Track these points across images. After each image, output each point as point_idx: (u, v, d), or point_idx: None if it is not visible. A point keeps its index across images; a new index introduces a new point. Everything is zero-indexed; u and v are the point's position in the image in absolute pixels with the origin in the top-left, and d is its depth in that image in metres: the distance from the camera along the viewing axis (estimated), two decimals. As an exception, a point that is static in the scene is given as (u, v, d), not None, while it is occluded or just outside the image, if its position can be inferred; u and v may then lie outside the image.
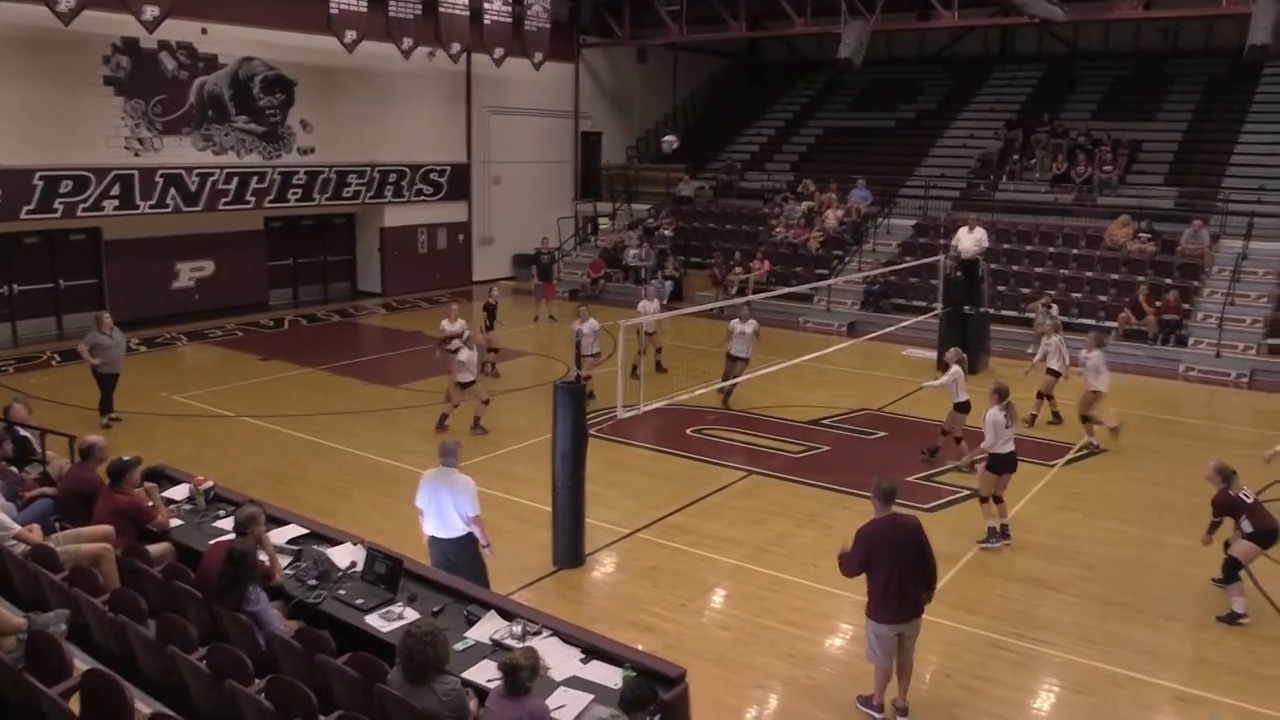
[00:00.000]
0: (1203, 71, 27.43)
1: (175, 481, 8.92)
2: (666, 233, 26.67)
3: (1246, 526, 9.12)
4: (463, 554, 7.93)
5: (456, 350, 14.06)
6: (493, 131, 27.40)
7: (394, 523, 10.06)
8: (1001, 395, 10.24)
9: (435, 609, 6.57)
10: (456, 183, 26.62)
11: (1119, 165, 24.53)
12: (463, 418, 14.11)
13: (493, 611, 6.52)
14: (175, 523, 8.05)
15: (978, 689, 7.74)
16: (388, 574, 6.84)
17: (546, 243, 24.00)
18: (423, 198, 25.80)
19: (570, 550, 9.70)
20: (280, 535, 7.68)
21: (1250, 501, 9.18)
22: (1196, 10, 22.69)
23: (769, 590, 9.32)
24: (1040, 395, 14.81)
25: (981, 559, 10.09)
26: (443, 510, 7.90)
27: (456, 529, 7.93)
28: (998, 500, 10.48)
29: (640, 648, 7.45)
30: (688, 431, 14.19)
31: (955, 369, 12.73)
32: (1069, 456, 13.46)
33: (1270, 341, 18.75)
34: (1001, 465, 10.31)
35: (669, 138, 21.05)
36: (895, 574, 6.98)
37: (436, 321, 15.97)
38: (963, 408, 12.68)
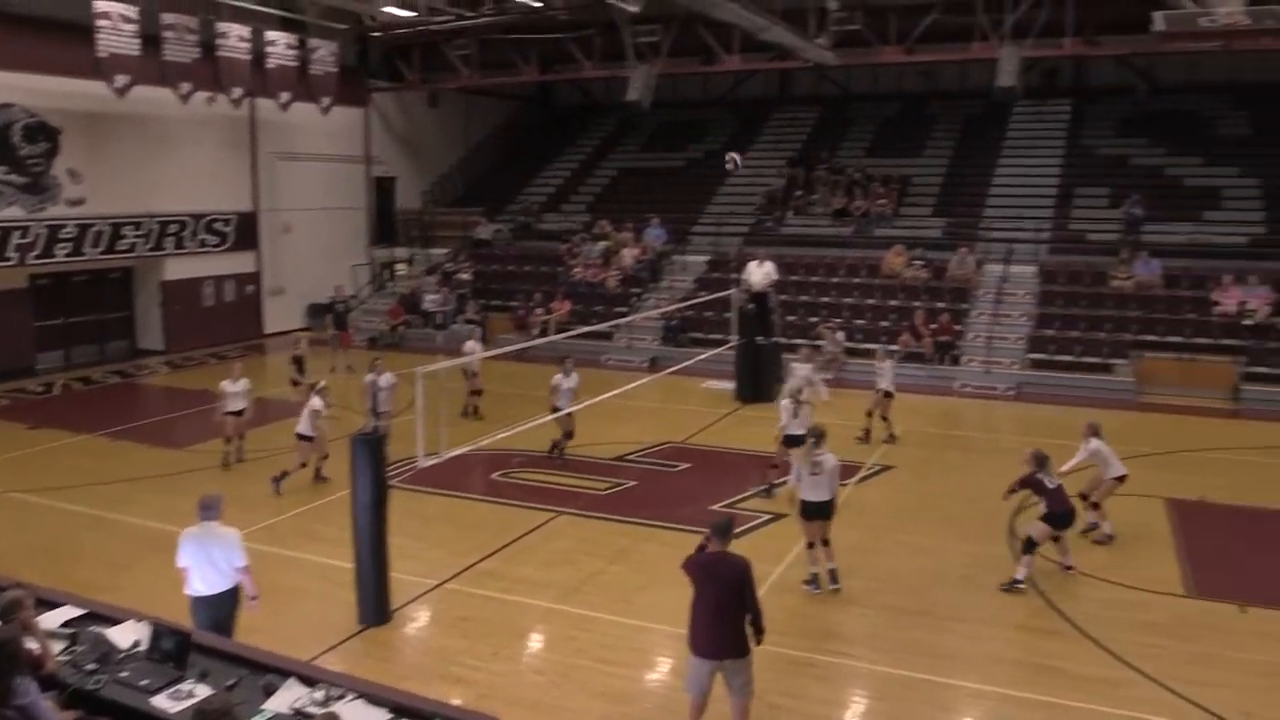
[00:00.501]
0: (960, 111, 29.73)
1: (-73, 569, 8.11)
2: (465, 276, 26.50)
3: (1044, 509, 10.32)
4: (225, 607, 7.71)
5: (309, 399, 13.64)
6: (280, 178, 26.53)
7: (181, 595, 9.47)
8: (816, 437, 10.17)
9: (229, 683, 6.21)
10: (243, 232, 25.59)
11: (892, 199, 26.21)
12: (264, 472, 13.50)
13: (293, 679, 6.23)
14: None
15: (785, 706, 7.99)
16: (175, 650, 6.42)
17: (341, 291, 23.40)
18: (207, 248, 24.66)
19: (376, 607, 9.40)
20: (53, 618, 7.07)
21: (1052, 487, 10.31)
22: (951, 55, 24.65)
23: (581, 630, 9.33)
24: (870, 414, 15.88)
25: (783, 580, 10.44)
26: (214, 565, 7.71)
27: (224, 583, 7.75)
28: (824, 543, 10.18)
29: (454, 701, 7.33)
30: (494, 476, 14.09)
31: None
32: (860, 475, 14.15)
33: (1032, 356, 20.40)
34: (804, 511, 10.05)
35: (733, 155, 20.78)
36: (714, 609, 7.04)
37: (221, 378, 15.23)
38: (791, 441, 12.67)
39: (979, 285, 22.63)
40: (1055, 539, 10.53)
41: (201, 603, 7.75)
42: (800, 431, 12.31)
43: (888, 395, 15.87)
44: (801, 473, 9.98)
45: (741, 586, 7.06)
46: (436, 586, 10.28)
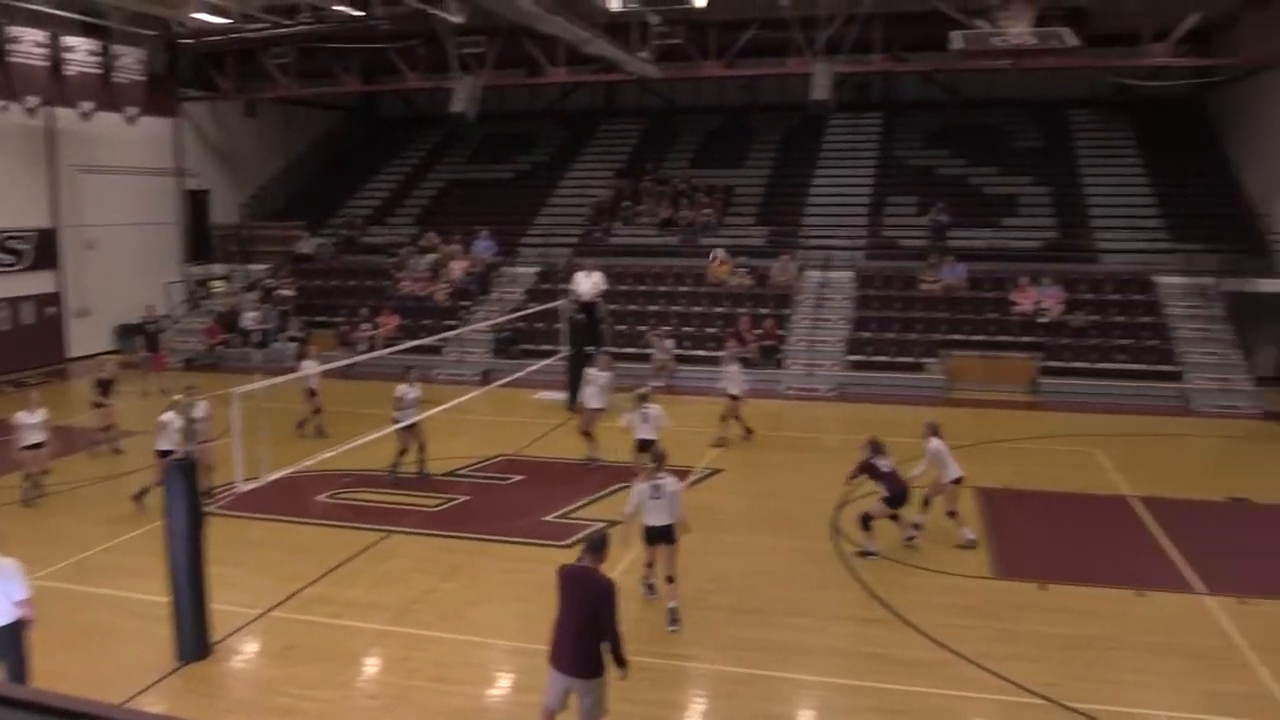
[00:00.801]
0: (780, 124, 30.78)
1: None
2: (287, 293, 25.61)
3: (884, 491, 11.34)
4: (9, 642, 7.23)
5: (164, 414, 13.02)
6: (84, 192, 24.95)
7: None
8: (657, 460, 9.98)
9: (29, 732, 5.84)
10: (42, 250, 23.92)
11: (716, 208, 26.90)
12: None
13: (100, 722, 5.90)
14: None
15: (623, 712, 8.00)
16: (-34, 701, 5.99)
17: (153, 310, 22.22)
18: (1, 268, 22.96)
19: (195, 641, 8.96)
20: None
21: (886, 471, 11.30)
22: (769, 70, 25.52)
23: (415, 650, 9.17)
24: (724, 418, 16.37)
25: (619, 585, 10.51)
26: None
27: (4, 617, 7.32)
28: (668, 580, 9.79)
29: (278, 732, 7.10)
30: (321, 497, 13.67)
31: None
32: (691, 479, 14.42)
33: (851, 358, 21.31)
34: (647, 536, 9.78)
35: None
36: (569, 624, 6.93)
37: (20, 406, 14.21)
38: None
39: (800, 291, 23.48)
40: (894, 518, 11.44)
41: None
42: (651, 436, 12.64)
43: (734, 398, 16.34)
44: (643, 496, 9.60)
45: (599, 608, 6.87)
46: (261, 615, 9.89)
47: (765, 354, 21.24)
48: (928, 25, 22.16)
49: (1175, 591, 10.31)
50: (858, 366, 21.16)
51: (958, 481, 11.75)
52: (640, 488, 9.65)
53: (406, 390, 14.20)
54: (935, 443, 11.77)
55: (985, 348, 21.05)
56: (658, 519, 9.61)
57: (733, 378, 16.38)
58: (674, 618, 9.57)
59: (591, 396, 15.16)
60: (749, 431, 16.53)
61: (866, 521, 11.35)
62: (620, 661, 6.94)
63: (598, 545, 7.19)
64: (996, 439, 16.63)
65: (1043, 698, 8.12)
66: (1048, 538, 12.03)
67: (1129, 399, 19.37)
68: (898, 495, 11.33)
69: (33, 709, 5.69)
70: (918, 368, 20.88)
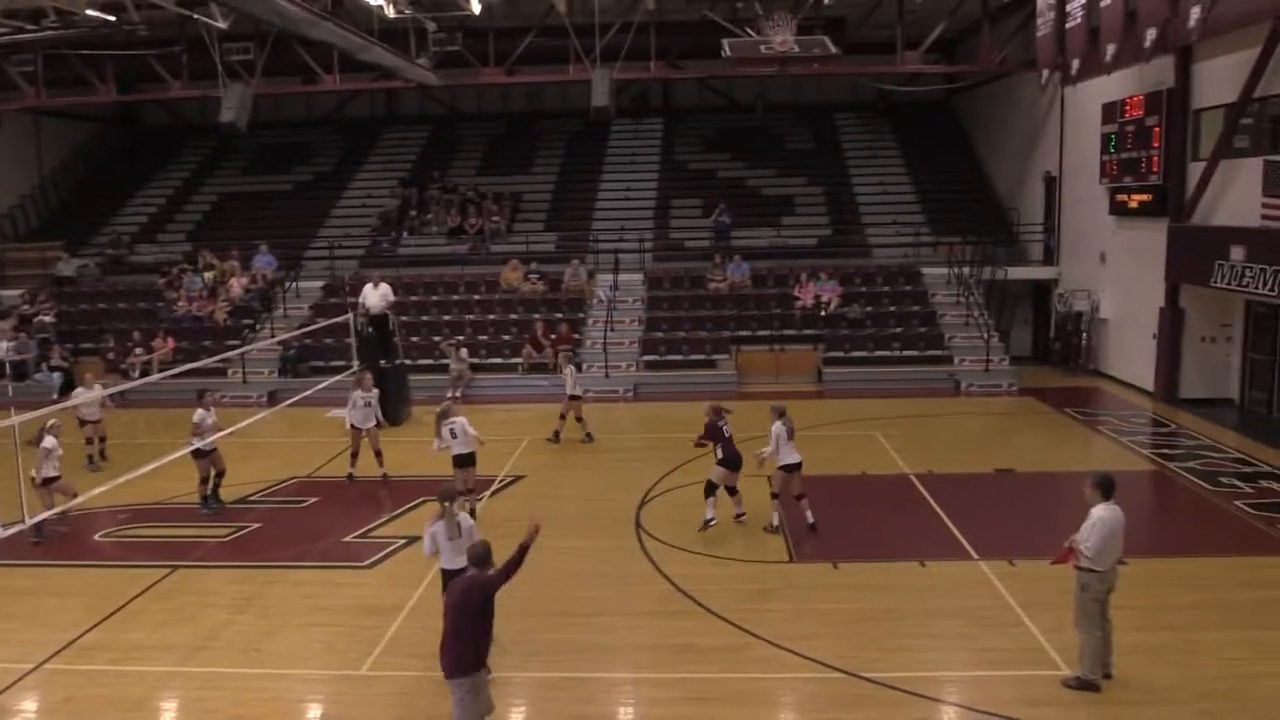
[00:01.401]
0: (564, 130, 31.05)
1: None
2: (47, 319, 23.67)
3: (719, 454, 11.84)
4: None
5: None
6: None
7: None
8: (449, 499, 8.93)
9: None
10: None
11: (505, 215, 26.84)
12: None
13: None
14: None
15: (432, 730, 7.95)
16: None
17: (-114, 345, 20.08)
18: None
19: (-44, 703, 8.20)
20: None
21: (727, 435, 11.92)
22: (550, 76, 25.68)
23: (210, 689, 8.68)
24: (562, 416, 16.84)
25: (424, 603, 10.34)
26: None
27: None
28: None
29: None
30: (96, 537, 12.73)
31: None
32: (493, 488, 14.35)
33: (646, 358, 21.74)
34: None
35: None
36: (449, 626, 7.08)
37: None
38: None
39: (593, 295, 23.75)
40: (732, 490, 12.01)
41: None
42: (466, 450, 12.49)
43: (575, 398, 16.88)
44: (438, 538, 8.66)
45: (460, 604, 7.10)
46: (33, 670, 9.10)
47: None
48: (701, 33, 22.93)
49: (953, 560, 11.08)
50: (653, 366, 21.62)
51: (791, 469, 11.90)
52: (437, 530, 8.66)
53: (204, 416, 13.43)
54: (777, 424, 11.98)
55: (772, 342, 21.97)
56: (456, 562, 8.60)
57: (570, 379, 16.98)
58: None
59: (360, 418, 14.87)
60: (588, 436, 16.93)
61: (711, 489, 11.96)
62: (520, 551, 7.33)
63: (484, 557, 7.30)
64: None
65: (841, 670, 8.55)
66: (839, 519, 12.63)
67: (905, 383, 20.71)
68: (732, 459, 11.88)
69: None
70: (710, 364, 21.55)
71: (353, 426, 14.99)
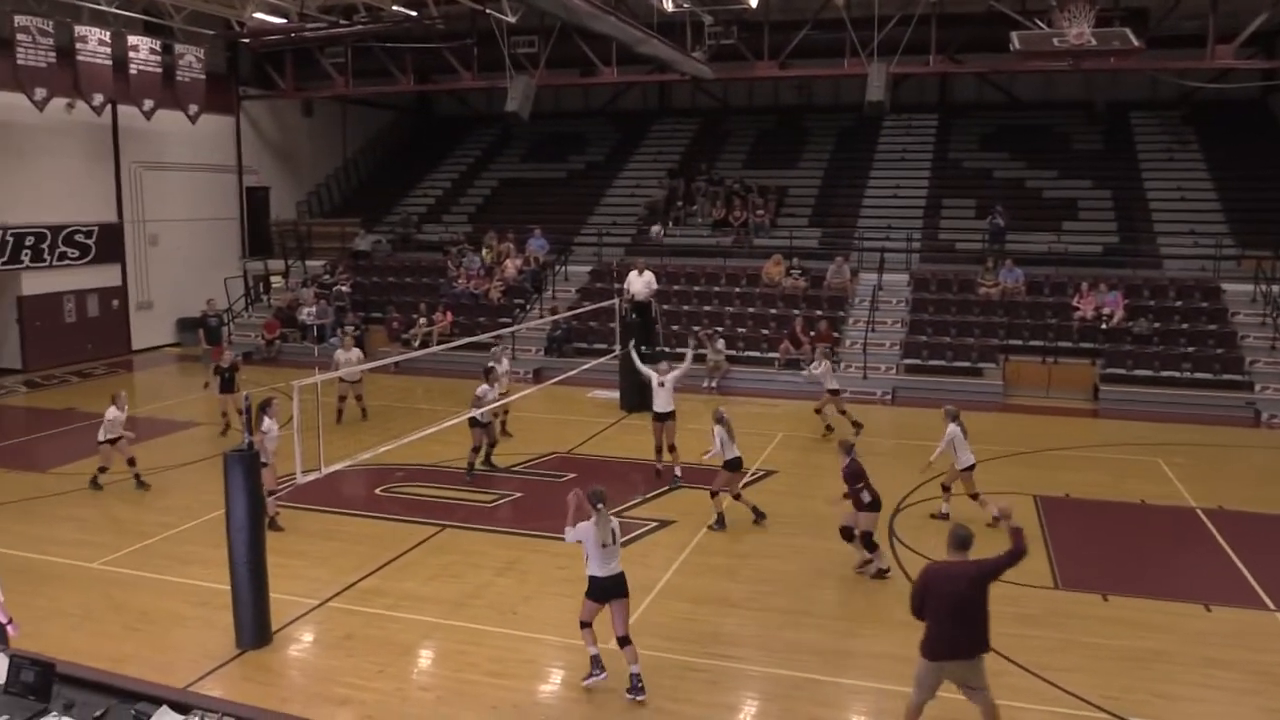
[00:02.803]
0: (834, 125, 30.58)
1: None
2: (344, 289, 25.92)
3: (866, 498, 10.80)
4: None
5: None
6: (146, 188, 25.50)
7: (50, 624, 9.04)
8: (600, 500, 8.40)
9: (97, 713, 5.93)
10: (107, 244, 24.45)
11: (770, 209, 26.75)
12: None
13: (165, 708, 5.98)
14: None
15: (674, 711, 8.04)
16: (37, 682, 6.08)
17: (213, 305, 22.61)
18: (68, 261, 23.47)
19: (255, 630, 9.10)
20: (-100, 654, 6.65)
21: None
22: (824, 70, 25.38)
23: (470, 644, 9.21)
24: (818, 411, 17.06)
25: (670, 586, 10.53)
26: None
27: None
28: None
29: (337, 721, 7.17)
30: (376, 491, 13.81)
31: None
32: (744, 480, 14.33)
33: (907, 362, 21.05)
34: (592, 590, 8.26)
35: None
36: (944, 616, 7.11)
37: (89, 396, 14.54)
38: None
39: (855, 293, 23.27)
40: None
41: None
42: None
43: (833, 392, 16.92)
44: (590, 545, 8.16)
45: (988, 579, 7.15)
46: (318, 606, 10.01)
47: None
48: (984, 26, 21.91)
49: (1242, 607, 10.04)
50: (913, 370, 20.91)
51: (969, 469, 12.20)
52: (591, 537, 8.16)
53: (487, 390, 14.38)
54: (952, 427, 12.02)
55: (1044, 353, 20.69)
56: (607, 568, 8.19)
57: (827, 374, 17.03)
58: (636, 684, 8.14)
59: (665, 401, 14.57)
60: (857, 425, 16.98)
61: (868, 540, 10.82)
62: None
63: (965, 540, 7.27)
64: (1056, 446, 16.37)
65: (1105, 710, 7.95)
66: (1110, 548, 11.77)
67: (1195, 408, 18.89)
68: (875, 502, 10.93)
69: (101, 690, 5.81)
70: (975, 372, 20.58)
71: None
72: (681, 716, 7.99)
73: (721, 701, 8.33)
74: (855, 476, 10.85)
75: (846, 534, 10.97)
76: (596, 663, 8.28)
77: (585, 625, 8.29)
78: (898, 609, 9.88)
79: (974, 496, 12.29)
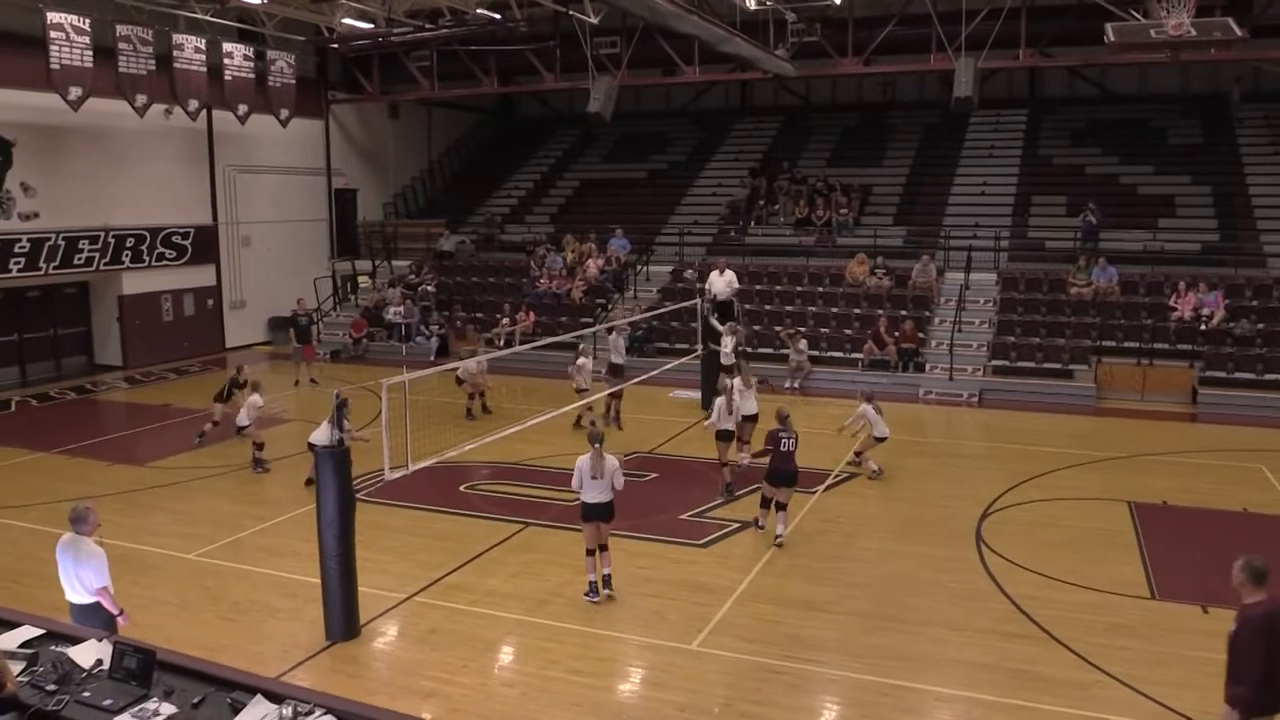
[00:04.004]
0: (919, 121, 30.06)
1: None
2: (429, 288, 26.34)
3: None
4: (86, 621, 7.50)
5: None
6: (240, 191, 26.25)
7: (148, 613, 9.32)
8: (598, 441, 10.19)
9: (195, 700, 6.10)
10: (202, 245, 25.25)
11: (853, 208, 26.41)
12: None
13: (259, 696, 6.13)
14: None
15: (756, 714, 7.98)
16: (139, 668, 6.29)
17: (303, 304, 23.14)
18: (165, 262, 24.30)
19: (344, 622, 9.28)
20: (11, 639, 6.90)
21: (785, 450, 11.53)
22: (909, 66, 24.94)
23: (552, 641, 9.26)
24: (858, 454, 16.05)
25: (754, 587, 10.45)
26: (77, 578, 7.67)
27: (86, 598, 7.69)
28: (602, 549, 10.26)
29: (425, 715, 7.25)
30: (461, 488, 13.99)
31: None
32: (828, 482, 14.20)
33: (994, 363, 20.59)
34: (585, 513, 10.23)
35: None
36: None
37: (185, 393, 15.04)
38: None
39: (940, 293, 22.84)
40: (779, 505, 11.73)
41: (72, 610, 7.72)
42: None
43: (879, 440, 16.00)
44: (584, 476, 9.96)
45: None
46: (405, 600, 10.17)
47: (904, 357, 20.74)
48: (1076, 18, 21.33)
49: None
50: (1001, 372, 20.42)
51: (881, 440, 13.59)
52: (584, 467, 10.01)
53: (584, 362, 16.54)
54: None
55: (1139, 355, 20.04)
56: (596, 495, 10.00)
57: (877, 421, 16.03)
58: (608, 582, 10.20)
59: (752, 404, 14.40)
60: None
61: (764, 502, 11.83)
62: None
63: (1261, 575, 6.45)
64: (1152, 451, 15.83)
65: (1205, 726, 7.67)
66: (1210, 558, 11.31)
67: (1302, 414, 18.13)
68: (778, 473, 11.60)
69: (199, 678, 5.95)
70: (1066, 374, 20.03)
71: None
72: (762, 719, 7.91)
73: (804, 705, 8.24)
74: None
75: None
76: (593, 588, 10.11)
77: (590, 553, 10.12)
78: (986, 617, 9.71)
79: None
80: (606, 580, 10.14)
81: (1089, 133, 27.90)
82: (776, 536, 11.56)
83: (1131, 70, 27.70)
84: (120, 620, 7.68)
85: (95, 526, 7.74)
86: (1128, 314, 21.07)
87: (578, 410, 16.23)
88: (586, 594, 10.09)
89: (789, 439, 11.55)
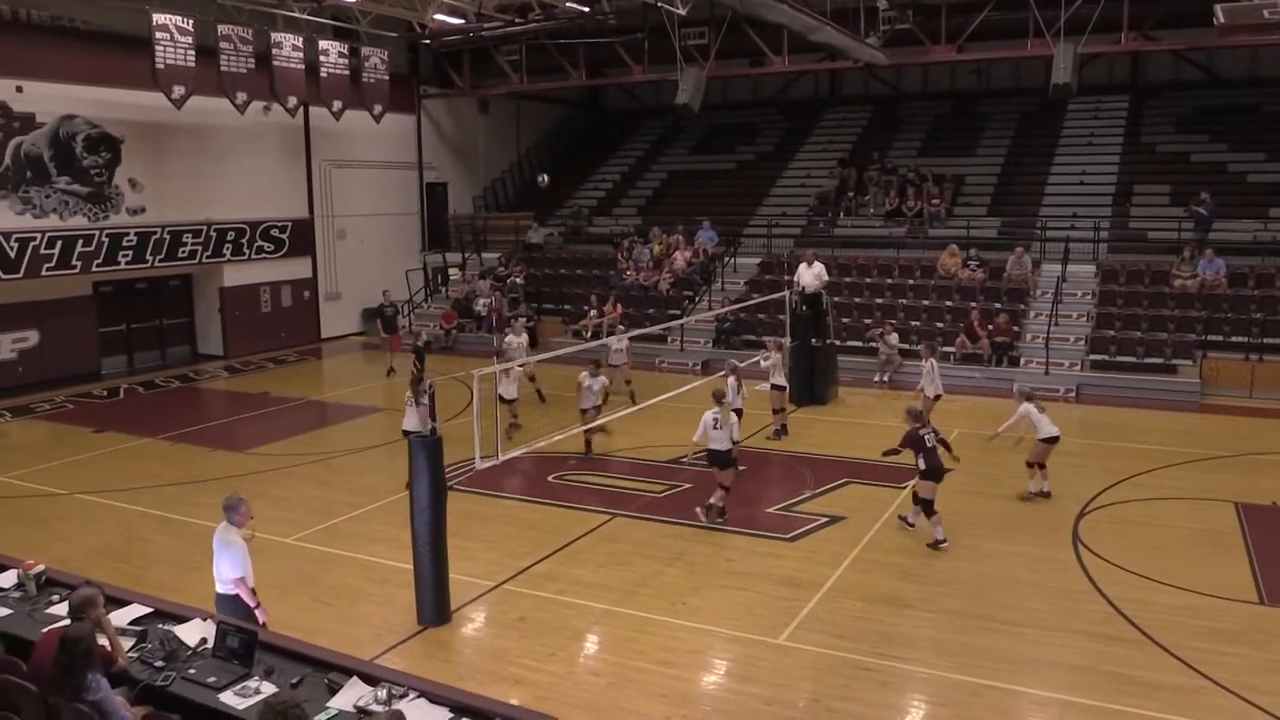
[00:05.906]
0: (1014, 109, 29.31)
1: (1, 568, 8.28)
2: (518, 280, 26.62)
3: (922, 465, 11.33)
4: (227, 611, 7.65)
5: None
6: (335, 185, 26.90)
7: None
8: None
9: (294, 680, 6.29)
10: (299, 238, 25.95)
11: (945, 198, 25.89)
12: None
13: (355, 678, 6.29)
14: (2, 612, 7.47)
15: (845, 710, 7.89)
16: (241, 648, 6.51)
17: (388, 295, 23.57)
18: (264, 255, 25.03)
19: (435, 608, 9.45)
20: (122, 616, 7.21)
21: (930, 445, 11.36)
22: (1005, 53, 24.30)
23: (639, 632, 9.30)
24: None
25: (841, 582, 10.33)
26: (218, 567, 7.88)
27: (224, 586, 7.86)
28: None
29: (512, 701, 7.33)
30: (549, 478, 14.11)
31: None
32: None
33: (1093, 357, 19.99)
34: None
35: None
36: None
37: (282, 382, 15.45)
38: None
39: (1036, 285, 22.25)
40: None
41: (217, 599, 7.91)
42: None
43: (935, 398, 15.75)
44: (708, 426, 11.91)
45: None
46: (494, 588, 10.31)
47: (998, 351, 20.25)
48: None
49: None
50: (1100, 367, 19.80)
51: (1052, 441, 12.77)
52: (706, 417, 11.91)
53: (586, 378, 15.21)
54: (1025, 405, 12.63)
55: (1248, 350, 19.24)
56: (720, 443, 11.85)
57: (930, 376, 15.72)
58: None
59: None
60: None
61: (928, 508, 11.35)
62: None
63: None
64: (1262, 450, 15.19)
65: (1322, 738, 7.34)
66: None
67: None
68: (935, 469, 11.38)
69: (297, 659, 6.13)
70: (1169, 370, 19.33)
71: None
72: (850, 716, 7.82)
73: (893, 703, 8.12)
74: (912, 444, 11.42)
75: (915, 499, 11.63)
76: (720, 512, 11.99)
77: (724, 488, 11.93)
78: (1083, 618, 9.44)
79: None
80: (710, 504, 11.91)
81: (1195, 119, 26.87)
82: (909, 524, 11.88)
83: (1242, 54, 26.56)
84: (258, 614, 7.78)
85: (246, 518, 7.93)
86: (1235, 307, 20.24)
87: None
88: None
89: (930, 434, 11.49)
